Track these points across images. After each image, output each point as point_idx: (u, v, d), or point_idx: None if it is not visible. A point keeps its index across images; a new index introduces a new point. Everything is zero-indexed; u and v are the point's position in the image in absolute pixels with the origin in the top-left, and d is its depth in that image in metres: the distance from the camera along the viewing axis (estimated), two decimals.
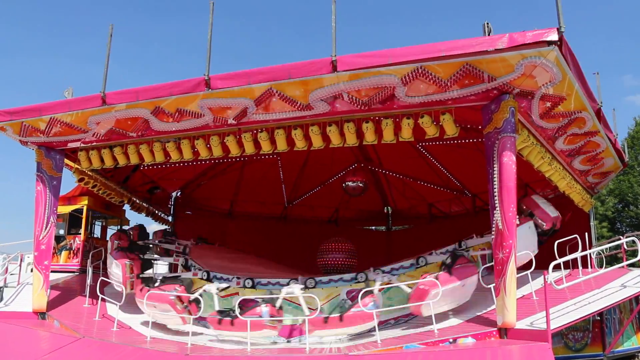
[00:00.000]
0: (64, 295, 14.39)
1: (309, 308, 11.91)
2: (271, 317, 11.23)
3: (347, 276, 13.10)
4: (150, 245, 15.95)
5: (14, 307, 13.55)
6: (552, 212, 12.41)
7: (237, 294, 12.75)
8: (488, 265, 11.65)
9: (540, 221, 12.25)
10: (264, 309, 11.34)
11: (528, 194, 13.49)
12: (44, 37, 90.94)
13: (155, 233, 16.58)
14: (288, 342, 11.59)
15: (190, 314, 11.98)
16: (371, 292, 11.40)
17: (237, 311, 11.19)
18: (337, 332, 10.99)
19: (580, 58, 9.51)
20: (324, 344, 10.78)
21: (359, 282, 12.69)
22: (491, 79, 9.44)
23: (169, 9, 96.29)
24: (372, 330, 10.62)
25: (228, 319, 11.49)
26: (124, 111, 11.57)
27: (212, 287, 12.77)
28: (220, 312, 11.82)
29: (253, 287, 13.21)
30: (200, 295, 12.29)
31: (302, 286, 12.59)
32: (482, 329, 9.78)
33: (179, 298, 12.11)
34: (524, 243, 11.32)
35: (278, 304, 11.84)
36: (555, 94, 9.91)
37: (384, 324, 11.59)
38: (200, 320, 12.19)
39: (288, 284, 12.86)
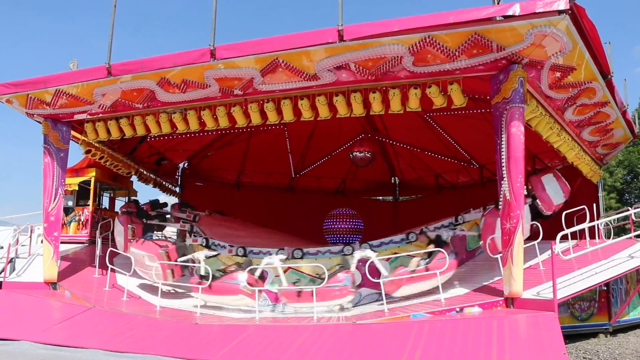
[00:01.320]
0: (74, 266, 14.56)
1: (316, 276, 12.07)
2: (248, 284, 11.42)
3: (334, 248, 13.32)
4: (167, 216, 16.14)
5: (25, 277, 13.71)
6: (557, 199, 12.32)
7: (237, 263, 13.02)
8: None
9: (540, 205, 12.22)
10: (241, 275, 11.53)
11: (540, 170, 13.40)
12: (50, 9, 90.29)
13: (172, 206, 16.93)
14: (274, 306, 12.18)
15: (173, 274, 12.61)
16: (347, 268, 11.73)
17: (211, 276, 11.55)
18: (311, 305, 10.99)
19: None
20: (298, 314, 11.13)
21: (345, 254, 12.87)
22: (500, 49, 9.31)
23: None
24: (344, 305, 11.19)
25: (206, 282, 11.63)
26: (130, 82, 11.52)
27: (201, 255, 13.02)
28: (201, 276, 12.00)
29: (245, 255, 13.49)
30: (188, 260, 12.83)
31: (285, 257, 12.86)
32: (488, 298, 9.86)
33: (167, 255, 12.59)
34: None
35: (257, 273, 12.12)
36: (565, 64, 9.77)
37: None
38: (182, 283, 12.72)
39: (277, 253, 13.05)
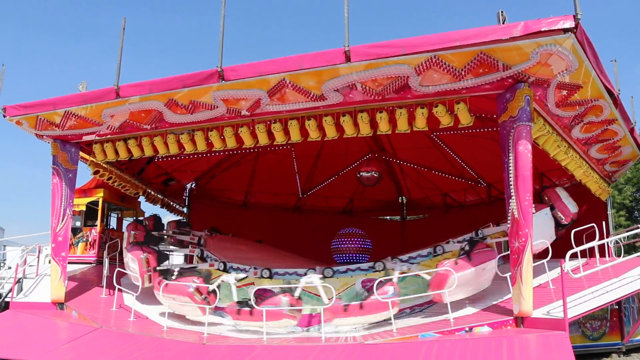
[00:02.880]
0: (81, 286, 14.55)
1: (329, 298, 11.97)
2: (290, 306, 11.10)
3: (364, 265, 13.21)
4: (165, 236, 16.00)
5: (33, 297, 13.73)
6: (573, 208, 12.31)
7: (252, 284, 12.84)
8: (504, 254, 11.60)
9: (559, 214, 12.15)
10: (283, 298, 11.17)
11: (551, 185, 13.33)
12: (60, 34, 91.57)
13: (169, 223, 16.64)
14: (307, 331, 11.69)
15: (209, 304, 11.92)
16: (390, 279, 11.31)
17: (253, 301, 11.06)
18: (355, 321, 10.86)
19: (595, 46, 9.37)
20: (340, 333, 10.80)
21: (376, 270, 12.73)
22: (506, 68, 9.34)
23: (182, 5, 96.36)
24: (389, 319, 10.54)
25: (247, 309, 11.38)
26: (138, 104, 11.62)
27: (230, 278, 12.79)
28: (239, 302, 11.77)
29: (270, 277, 13.31)
30: (218, 286, 12.32)
31: (320, 276, 12.64)
32: (498, 317, 9.75)
33: (198, 290, 11.93)
34: (540, 231, 11.26)
35: (297, 293, 11.78)
36: (572, 82, 9.79)
37: (399, 313, 11.58)
38: (217, 311, 12.27)
39: (305, 274, 12.91)
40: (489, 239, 12.44)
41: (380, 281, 10.92)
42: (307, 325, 11.95)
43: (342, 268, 13.27)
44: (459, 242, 12.87)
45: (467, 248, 11.34)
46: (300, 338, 10.59)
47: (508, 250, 11.90)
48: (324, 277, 12.86)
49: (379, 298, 10.56)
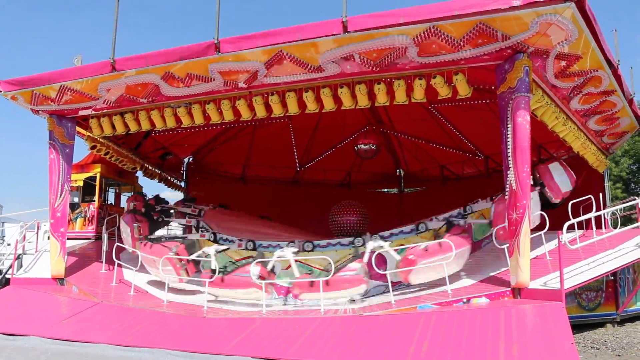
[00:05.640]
0: (81, 262, 14.62)
1: (324, 270, 12.03)
2: (260, 277, 11.26)
3: (344, 240, 13.24)
4: (171, 211, 16.12)
5: (33, 273, 13.81)
6: (564, 187, 12.21)
7: (251, 257, 12.93)
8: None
9: (549, 193, 12.13)
10: (254, 268, 11.34)
11: (546, 159, 13.28)
12: (53, 8, 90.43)
13: (176, 203, 16.86)
14: (285, 301, 11.95)
15: (187, 272, 12.38)
16: (359, 257, 11.60)
17: (225, 270, 11.48)
18: (325, 296, 10.77)
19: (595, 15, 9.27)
20: (310, 306, 10.99)
21: (356, 246, 12.81)
22: (505, 38, 9.26)
23: None
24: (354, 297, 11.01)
25: (218, 276, 11.50)
26: (134, 77, 11.52)
27: (211, 249, 12.87)
28: (212, 270, 11.82)
29: (254, 249, 13.45)
30: (199, 256, 12.58)
31: (296, 249, 12.76)
32: (495, 289, 9.84)
33: (178, 255, 12.39)
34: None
35: (270, 266, 11.95)
36: (571, 53, 9.71)
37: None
38: (195, 279, 12.53)
39: (288, 246, 13.01)
40: (469, 218, 12.59)
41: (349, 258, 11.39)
42: (285, 295, 12.20)
43: (323, 242, 13.33)
44: (444, 219, 12.91)
45: (444, 229, 11.39)
46: (299, 310, 10.68)
47: (482, 234, 12.01)
48: (304, 250, 13.01)
49: (347, 275, 10.92)
